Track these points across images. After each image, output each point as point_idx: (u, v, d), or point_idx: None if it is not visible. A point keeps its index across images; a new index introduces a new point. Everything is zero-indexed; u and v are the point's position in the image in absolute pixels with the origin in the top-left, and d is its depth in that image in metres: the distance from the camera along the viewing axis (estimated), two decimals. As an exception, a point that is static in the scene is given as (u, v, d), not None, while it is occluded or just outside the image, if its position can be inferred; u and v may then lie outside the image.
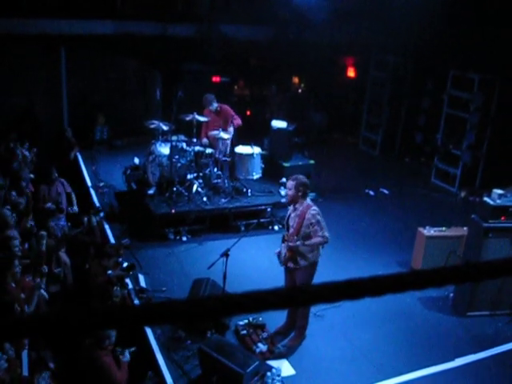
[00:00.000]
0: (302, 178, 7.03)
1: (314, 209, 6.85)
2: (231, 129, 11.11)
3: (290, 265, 7.02)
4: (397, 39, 13.40)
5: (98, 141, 15.03)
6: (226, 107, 11.41)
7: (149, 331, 7.35)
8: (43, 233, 8.31)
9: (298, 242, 6.82)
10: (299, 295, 1.16)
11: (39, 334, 1.16)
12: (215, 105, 11.22)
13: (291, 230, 6.98)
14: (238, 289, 7.39)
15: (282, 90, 16.63)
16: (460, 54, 12.43)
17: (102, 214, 10.11)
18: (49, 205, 9.64)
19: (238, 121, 11.14)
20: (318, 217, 6.79)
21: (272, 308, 1.11)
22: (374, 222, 11.27)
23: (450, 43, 12.37)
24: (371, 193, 12.90)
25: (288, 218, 7.08)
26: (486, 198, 7.92)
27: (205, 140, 11.23)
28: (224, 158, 11.00)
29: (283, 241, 7.06)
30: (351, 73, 16.86)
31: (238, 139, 11.52)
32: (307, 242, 6.82)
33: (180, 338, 7.16)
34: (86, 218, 9.24)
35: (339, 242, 9.41)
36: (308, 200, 6.97)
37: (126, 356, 6.05)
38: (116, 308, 1.18)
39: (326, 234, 6.80)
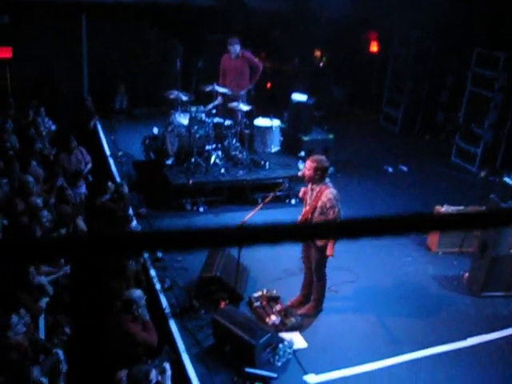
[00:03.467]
0: (323, 161, 6.85)
1: (331, 191, 6.75)
2: (255, 78, 11.14)
3: (310, 243, 7.03)
4: (421, 14, 13.15)
5: (118, 110, 15.05)
6: (249, 53, 11.34)
7: (163, 299, 7.46)
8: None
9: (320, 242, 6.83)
10: (313, 229, 1.16)
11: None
12: (238, 48, 11.16)
13: (307, 208, 6.99)
14: (252, 260, 7.48)
15: (303, 63, 16.47)
16: (486, 31, 12.20)
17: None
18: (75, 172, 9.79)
19: (260, 66, 11.16)
20: (334, 202, 6.69)
21: (287, 240, 1.11)
22: (391, 199, 11.21)
23: (476, 20, 12.13)
24: (390, 169, 12.82)
25: (304, 193, 7.07)
26: (505, 178, 7.84)
27: (219, 98, 11.17)
28: (243, 130, 10.99)
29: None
30: (374, 47, 16.62)
31: (258, 111, 11.48)
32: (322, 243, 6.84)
33: (194, 307, 7.23)
34: (112, 185, 9.29)
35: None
36: (326, 181, 6.87)
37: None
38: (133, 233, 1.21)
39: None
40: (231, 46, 11.11)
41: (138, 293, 6.18)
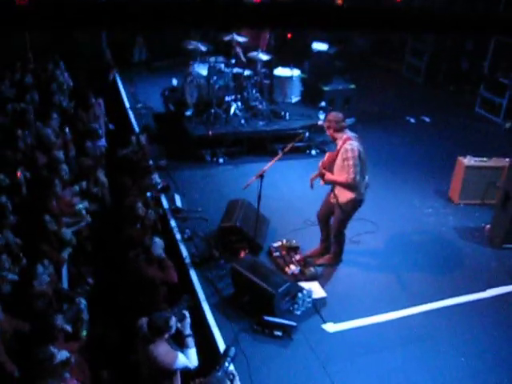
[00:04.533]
0: (333, 114, 6.87)
1: (350, 143, 6.63)
2: (264, 44, 10.97)
3: (333, 200, 7.00)
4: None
5: (137, 62, 15.00)
6: None
7: (183, 248, 7.54)
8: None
9: (326, 173, 6.80)
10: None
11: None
12: None
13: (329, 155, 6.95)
14: (272, 210, 7.48)
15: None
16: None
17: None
18: (94, 126, 9.82)
19: (264, 41, 10.92)
20: (350, 153, 6.56)
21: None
22: (414, 150, 11.10)
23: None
24: (412, 120, 12.64)
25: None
26: (530, 129, 7.68)
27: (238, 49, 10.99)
28: (263, 80, 10.88)
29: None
30: (398, -6, 16.19)
31: (278, 61, 11.32)
32: (329, 177, 6.78)
33: (214, 257, 7.31)
34: (133, 137, 9.31)
35: (377, 170, 9.28)
36: (348, 133, 6.77)
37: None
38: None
39: (351, 175, 6.57)
40: None
41: (158, 240, 6.27)
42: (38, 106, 10.02)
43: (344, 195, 6.82)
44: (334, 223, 7.13)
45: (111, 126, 10.41)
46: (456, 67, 14.99)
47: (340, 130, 6.73)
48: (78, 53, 13.65)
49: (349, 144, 6.63)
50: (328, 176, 6.80)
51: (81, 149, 9.10)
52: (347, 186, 6.70)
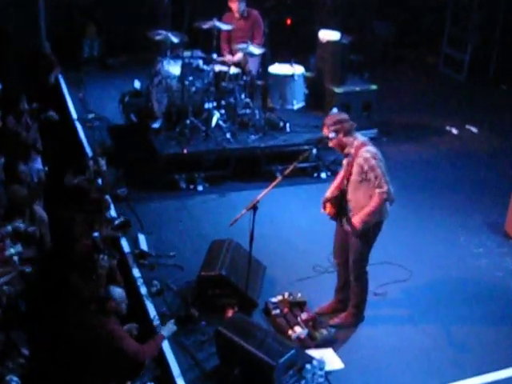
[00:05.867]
0: (332, 114, 6.97)
1: (368, 150, 6.61)
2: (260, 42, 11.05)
3: (347, 228, 6.95)
4: None
5: (87, 58, 15.07)
6: (257, 13, 11.25)
7: (150, 306, 7.47)
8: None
9: (355, 219, 6.74)
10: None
11: None
12: (243, 5, 11.10)
13: (337, 180, 6.97)
14: (269, 254, 7.47)
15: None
16: None
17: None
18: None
19: (258, 40, 11.06)
20: (373, 161, 6.53)
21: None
22: (456, 170, 11.16)
23: None
24: (453, 131, 12.73)
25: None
26: None
27: (239, 55, 11.09)
28: (254, 81, 10.94)
29: None
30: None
31: (274, 56, 11.40)
32: (359, 219, 6.69)
33: (192, 317, 7.24)
34: (91, 162, 9.29)
35: (407, 196, 9.34)
36: (360, 138, 6.76)
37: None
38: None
39: (384, 188, 6.51)
40: (235, 4, 11.03)
41: (117, 291, 6.19)
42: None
43: (364, 222, 6.77)
44: (352, 260, 7.07)
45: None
46: (509, 60, 15.14)
47: (350, 131, 6.73)
48: (7, 46, 13.70)
49: (365, 151, 6.59)
50: (357, 219, 6.71)
51: (12, 173, 9.04)
52: (381, 205, 6.66)
